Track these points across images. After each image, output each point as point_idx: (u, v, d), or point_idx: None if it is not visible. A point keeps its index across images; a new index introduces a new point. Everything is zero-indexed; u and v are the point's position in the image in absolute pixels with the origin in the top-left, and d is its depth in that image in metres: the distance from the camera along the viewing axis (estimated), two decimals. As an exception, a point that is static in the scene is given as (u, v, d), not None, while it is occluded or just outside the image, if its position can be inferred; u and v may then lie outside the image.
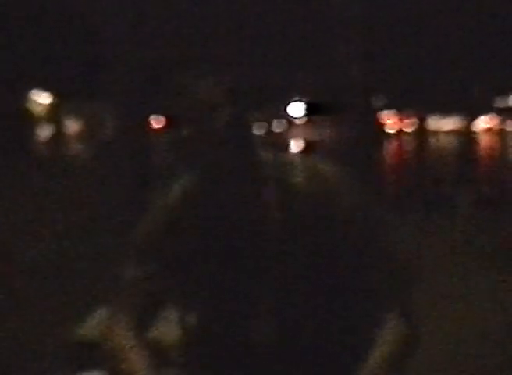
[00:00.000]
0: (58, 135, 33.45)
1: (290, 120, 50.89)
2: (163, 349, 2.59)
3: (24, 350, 4.08)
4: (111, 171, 11.27)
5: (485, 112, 53.04)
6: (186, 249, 1.72)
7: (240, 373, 1.72)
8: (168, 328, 2.73)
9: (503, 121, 55.51)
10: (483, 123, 55.04)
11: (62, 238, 7.39)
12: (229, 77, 1.62)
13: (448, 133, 54.99)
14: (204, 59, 1.65)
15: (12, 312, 4.81)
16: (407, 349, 1.66)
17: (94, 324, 3.39)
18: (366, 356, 1.62)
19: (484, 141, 48.17)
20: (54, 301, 5.02)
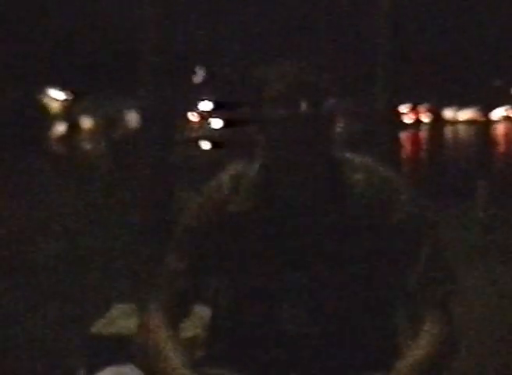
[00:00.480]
0: (74, 131, 33.63)
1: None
2: (196, 343, 2.57)
3: (44, 347, 4.08)
4: (128, 167, 11.28)
5: (502, 103, 52.88)
6: (222, 242, 1.71)
7: (272, 363, 1.70)
8: (201, 323, 2.71)
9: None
10: (500, 112, 54.79)
11: (78, 235, 7.39)
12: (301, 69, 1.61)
13: (465, 122, 54.82)
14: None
15: (31, 308, 4.81)
16: (444, 353, 1.63)
17: (111, 319, 3.37)
18: (401, 354, 1.61)
19: (501, 129, 47.91)
20: (71, 297, 5.01)
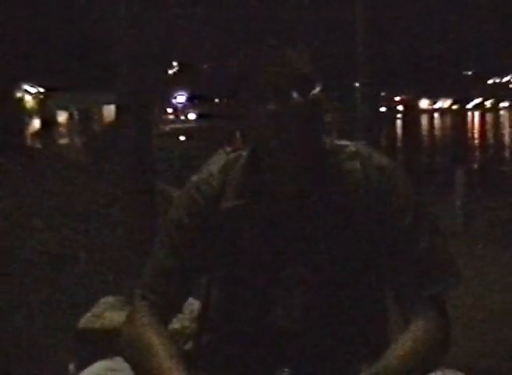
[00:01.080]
0: (50, 126, 33.38)
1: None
2: (182, 335, 2.57)
3: (32, 342, 4.07)
4: (105, 161, 11.22)
5: (477, 91, 53.21)
6: (214, 237, 1.66)
7: (263, 358, 1.66)
8: (191, 318, 2.70)
9: (495, 99, 55.64)
10: (476, 102, 55.15)
11: (61, 229, 7.36)
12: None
13: (442, 112, 55.15)
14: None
15: (17, 304, 4.80)
16: (434, 349, 1.59)
17: (98, 313, 3.37)
18: (390, 348, 1.57)
19: (476, 117, 48.26)
20: (58, 291, 5.00)
